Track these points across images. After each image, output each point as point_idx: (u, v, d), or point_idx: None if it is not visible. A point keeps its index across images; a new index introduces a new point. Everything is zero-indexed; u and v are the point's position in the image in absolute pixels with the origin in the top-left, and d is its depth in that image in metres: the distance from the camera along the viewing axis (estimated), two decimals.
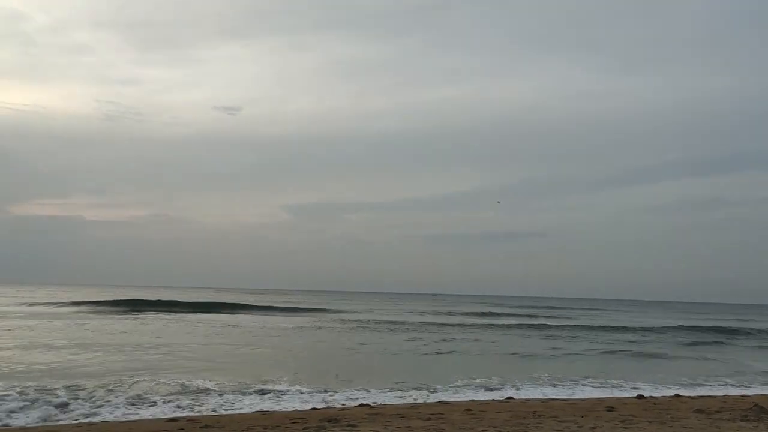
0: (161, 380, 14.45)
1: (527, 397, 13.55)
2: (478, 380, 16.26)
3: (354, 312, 51.04)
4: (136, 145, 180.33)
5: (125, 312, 43.40)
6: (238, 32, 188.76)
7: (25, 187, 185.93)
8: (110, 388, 13.29)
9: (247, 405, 12.05)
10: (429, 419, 9.80)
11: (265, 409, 11.44)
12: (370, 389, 14.29)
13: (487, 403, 12.33)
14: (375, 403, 12.23)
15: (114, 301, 50.83)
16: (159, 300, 52.43)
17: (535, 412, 10.74)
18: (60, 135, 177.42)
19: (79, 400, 11.87)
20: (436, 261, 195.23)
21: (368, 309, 56.91)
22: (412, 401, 12.98)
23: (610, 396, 14.16)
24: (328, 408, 11.40)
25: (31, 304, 48.19)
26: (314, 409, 11.17)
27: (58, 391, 12.37)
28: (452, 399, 13.18)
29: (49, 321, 32.64)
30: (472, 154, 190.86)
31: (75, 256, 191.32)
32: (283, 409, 11.53)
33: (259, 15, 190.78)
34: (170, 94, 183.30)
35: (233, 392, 13.37)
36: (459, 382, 15.81)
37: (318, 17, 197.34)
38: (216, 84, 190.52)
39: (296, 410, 11.17)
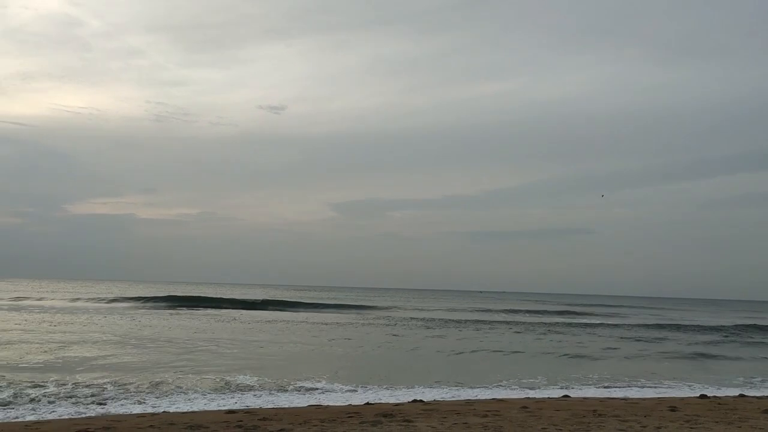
0: (209, 375, 14.70)
1: (584, 396, 13.26)
2: (527, 379, 16.05)
3: (399, 308, 51.04)
4: (184, 145, 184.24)
5: (174, 307, 44.41)
6: (282, 32, 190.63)
7: (82, 187, 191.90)
8: (158, 381, 13.58)
9: (299, 399, 12.15)
10: (485, 416, 9.65)
11: (317, 403, 11.50)
12: (418, 386, 14.24)
13: (543, 401, 12.09)
14: (428, 399, 12.15)
15: (165, 297, 51.96)
16: (207, 297, 53.35)
17: (594, 410, 10.47)
18: (113, 136, 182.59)
19: (130, 393, 12.17)
20: (481, 258, 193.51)
21: (414, 306, 56.80)
22: (465, 398, 12.89)
23: (671, 396, 13.76)
24: (382, 403, 11.36)
25: (88, 300, 49.75)
26: (368, 404, 11.15)
27: (107, 386, 12.69)
28: (506, 396, 13.02)
29: (104, 316, 33.62)
30: (517, 151, 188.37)
31: (127, 253, 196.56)
32: (336, 404, 11.56)
33: (303, 15, 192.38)
34: (217, 94, 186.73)
35: (282, 387, 13.49)
36: (507, 381, 15.64)
37: (361, 15, 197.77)
38: (261, 84, 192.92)
39: (350, 405, 11.17)
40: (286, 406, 11.10)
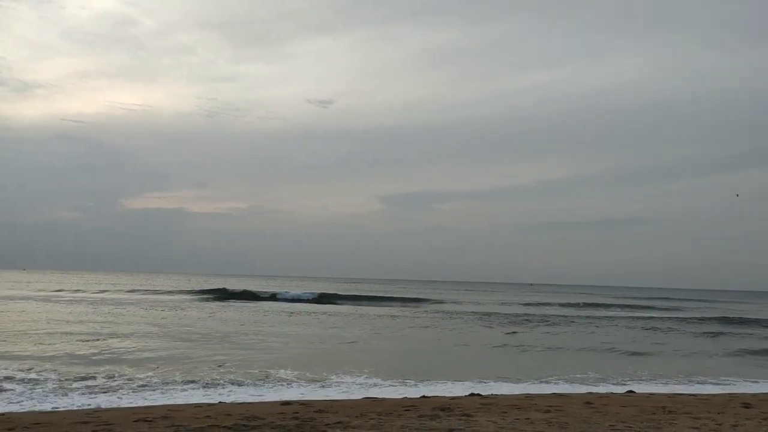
0: (260, 367, 14.71)
1: (650, 392, 12.70)
2: (583, 374, 15.54)
3: (449, 302, 50.61)
4: (234, 140, 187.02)
5: (224, 299, 45.09)
6: (329, 26, 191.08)
7: (136, 182, 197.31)
8: (210, 373, 13.65)
9: (353, 392, 11.99)
10: (548, 411, 9.29)
11: (371, 396, 11.32)
12: (472, 380, 13.92)
13: (607, 396, 11.62)
14: (484, 393, 11.83)
15: (215, 290, 52.57)
16: (255, 290, 53.51)
17: (663, 407, 9.98)
18: (166, 132, 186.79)
19: (182, 383, 12.25)
20: (531, 250, 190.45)
21: (463, 299, 56.25)
22: (522, 392, 12.52)
23: (741, 392, 13.07)
24: (439, 396, 11.09)
25: (144, 292, 51.02)
26: (424, 397, 10.90)
27: (159, 377, 12.80)
28: (567, 390, 12.59)
29: (158, 309, 34.35)
30: (569, 140, 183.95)
31: (179, 246, 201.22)
32: (391, 397, 11.36)
33: (350, 7, 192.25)
34: (265, 89, 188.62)
35: (334, 380, 13.37)
36: (564, 375, 15.17)
37: (408, 6, 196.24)
38: (309, 78, 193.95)
39: (405, 398, 10.94)
40: (341, 398, 10.96)
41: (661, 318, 38.82)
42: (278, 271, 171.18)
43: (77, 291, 49.21)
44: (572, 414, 9.13)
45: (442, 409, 9.15)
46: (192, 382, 12.43)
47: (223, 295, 48.55)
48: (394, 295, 55.59)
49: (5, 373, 12.42)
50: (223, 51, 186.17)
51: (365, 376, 13.86)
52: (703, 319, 38.18)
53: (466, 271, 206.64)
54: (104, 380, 12.21)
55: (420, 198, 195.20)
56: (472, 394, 11.34)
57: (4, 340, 17.63)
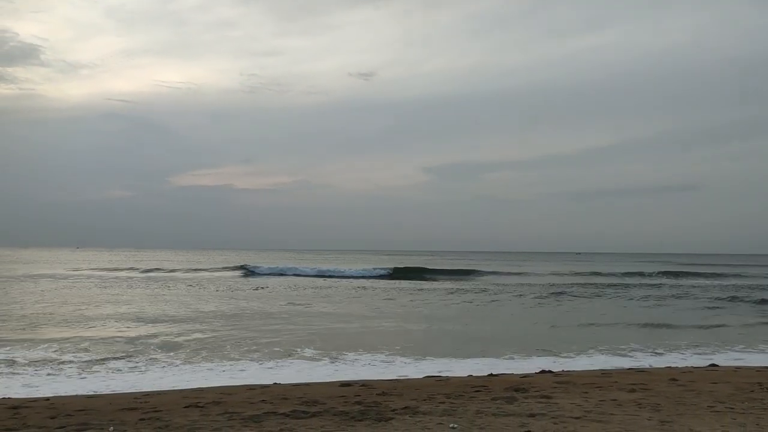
0: (316, 345, 14.16)
1: (735, 365, 11.64)
2: (654, 347, 14.52)
3: (500, 273, 49.43)
4: (278, 115, 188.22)
5: (275, 275, 45.02)
6: None
7: (183, 160, 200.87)
8: (264, 350, 13.15)
9: (413, 370, 11.30)
10: (633, 390, 8.38)
11: (433, 374, 10.61)
12: (530, 355, 13.12)
13: (690, 371, 10.63)
14: (554, 369, 10.98)
15: (287, 268, 50.90)
16: (296, 267, 52.55)
17: (760, 384, 8.96)
18: (210, 109, 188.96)
19: (231, 363, 11.75)
20: (580, 218, 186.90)
21: (513, 270, 55.02)
22: (595, 367, 11.64)
23: None
24: (507, 374, 10.30)
25: (195, 269, 51.39)
26: (492, 375, 10.11)
27: (209, 356, 12.33)
28: (648, 365, 11.64)
29: (210, 288, 34.38)
30: (614, 107, 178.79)
31: (228, 222, 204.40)
32: (453, 375, 10.62)
33: None
34: (308, 63, 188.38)
35: (392, 359, 12.71)
36: (633, 347, 14.20)
37: None
38: (351, 50, 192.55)
39: (471, 376, 10.19)
40: (403, 378, 10.26)
41: (720, 285, 37.12)
42: (325, 245, 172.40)
43: (131, 269, 49.74)
44: (662, 393, 8.21)
45: (516, 390, 8.35)
46: (239, 360, 11.96)
47: (296, 273, 46.76)
48: (444, 267, 54.38)
49: (47, 354, 12.16)
50: (265, 25, 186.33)
51: (422, 353, 13.17)
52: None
53: (512, 241, 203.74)
54: (149, 360, 11.82)
55: (465, 168, 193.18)
56: (543, 371, 10.52)
57: (48, 321, 17.55)
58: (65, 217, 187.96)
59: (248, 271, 46.74)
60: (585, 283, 37.04)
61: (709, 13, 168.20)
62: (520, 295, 28.85)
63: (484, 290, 31.78)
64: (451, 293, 30.11)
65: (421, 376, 10.30)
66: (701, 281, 41.27)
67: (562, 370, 10.91)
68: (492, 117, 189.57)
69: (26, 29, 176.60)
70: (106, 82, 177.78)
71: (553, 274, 48.15)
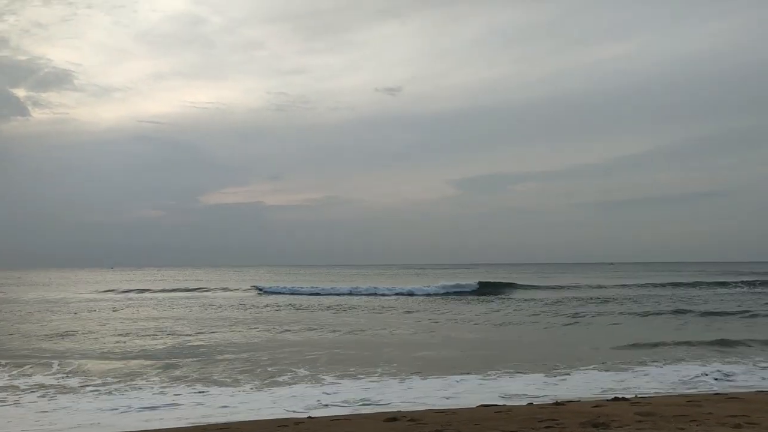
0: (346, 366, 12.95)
1: None
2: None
3: (537, 288, 46.86)
4: (305, 132, 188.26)
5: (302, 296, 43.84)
6: (395, 11, 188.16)
7: (213, 178, 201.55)
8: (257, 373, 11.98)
9: (463, 394, 10.01)
10: (738, 426, 6.96)
11: (489, 403, 9.30)
12: (579, 370, 11.67)
13: None
14: (635, 396, 9.57)
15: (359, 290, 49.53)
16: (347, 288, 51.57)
17: None
18: (239, 128, 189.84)
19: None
20: (609, 228, 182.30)
21: (550, 283, 52.52)
22: (674, 392, 10.21)
23: None
24: (575, 401, 8.92)
25: (231, 290, 50.65)
26: (558, 404, 8.74)
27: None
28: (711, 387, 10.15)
29: (253, 309, 33.49)
30: (641, 115, 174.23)
31: (259, 239, 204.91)
32: (513, 401, 9.31)
33: None
34: (334, 79, 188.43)
35: (442, 381, 11.42)
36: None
37: None
38: (376, 65, 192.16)
39: (532, 404, 8.87)
40: (454, 406, 8.94)
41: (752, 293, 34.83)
42: (356, 260, 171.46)
43: (194, 289, 47.79)
44: None
45: (595, 425, 7.01)
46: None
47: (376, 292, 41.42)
48: (481, 280, 51.32)
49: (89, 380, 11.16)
50: (291, 44, 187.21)
51: (469, 372, 11.85)
52: None
53: (542, 253, 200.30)
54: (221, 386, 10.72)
55: (493, 180, 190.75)
56: (616, 398, 9.11)
57: (106, 343, 16.67)
58: (99, 238, 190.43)
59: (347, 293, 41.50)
60: (670, 296, 34.78)
61: (738, 17, 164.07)
62: (557, 306, 27.22)
63: (605, 301, 30.17)
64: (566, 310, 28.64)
65: (474, 406, 8.99)
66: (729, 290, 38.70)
67: (636, 395, 9.51)
68: (519, 128, 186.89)
69: (60, 55, 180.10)
70: (137, 105, 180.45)
71: (622, 287, 44.75)
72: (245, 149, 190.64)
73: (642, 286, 43.49)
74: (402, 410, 8.58)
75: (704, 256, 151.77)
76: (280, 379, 11.63)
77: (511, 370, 12.20)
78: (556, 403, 8.79)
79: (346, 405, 9.35)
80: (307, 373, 12.12)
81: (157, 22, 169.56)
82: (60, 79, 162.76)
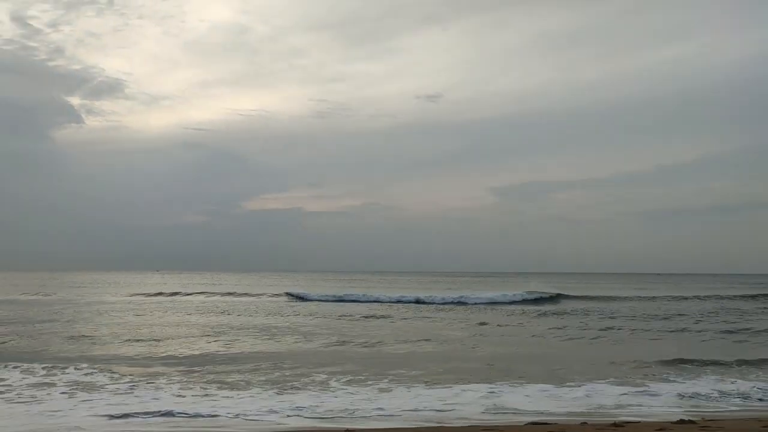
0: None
1: None
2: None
3: (598, 298, 44.12)
4: (345, 139, 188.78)
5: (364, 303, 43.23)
6: (437, 18, 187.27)
7: (254, 185, 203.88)
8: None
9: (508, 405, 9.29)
10: None
11: (537, 421, 8.57)
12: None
13: None
14: (702, 419, 8.73)
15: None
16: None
17: None
18: (280, 135, 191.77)
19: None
20: (657, 238, 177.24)
21: (602, 293, 49.58)
22: (742, 410, 9.32)
23: None
24: (635, 422, 8.11)
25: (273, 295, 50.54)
26: (616, 425, 7.96)
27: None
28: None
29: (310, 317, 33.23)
30: (695, 121, 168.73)
31: (298, 245, 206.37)
32: (552, 419, 8.56)
33: None
34: (374, 87, 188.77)
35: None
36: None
37: None
38: (417, 72, 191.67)
39: (586, 424, 8.11)
40: (500, 425, 8.24)
41: None
42: (395, 267, 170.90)
43: (229, 294, 47.22)
44: None
45: None
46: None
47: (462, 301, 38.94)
48: (530, 289, 49.33)
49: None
50: (333, 51, 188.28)
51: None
52: None
53: (585, 262, 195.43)
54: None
55: (535, 189, 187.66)
56: (682, 421, 8.28)
57: (178, 344, 16.49)
58: (147, 242, 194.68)
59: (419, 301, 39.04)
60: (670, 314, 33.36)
61: None
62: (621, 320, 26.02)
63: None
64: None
65: (521, 423, 8.28)
66: None
67: (703, 418, 8.64)
68: (562, 135, 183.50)
69: (112, 65, 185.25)
70: (183, 113, 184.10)
71: (696, 298, 42.43)
72: (286, 156, 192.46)
73: (690, 299, 41.70)
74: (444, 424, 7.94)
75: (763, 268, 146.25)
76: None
77: (579, 383, 11.42)
78: (615, 425, 8.00)
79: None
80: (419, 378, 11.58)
81: (205, 32, 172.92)
82: (112, 88, 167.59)
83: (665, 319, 26.41)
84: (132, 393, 10.45)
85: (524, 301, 39.11)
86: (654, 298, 41.86)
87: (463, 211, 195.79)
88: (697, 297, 42.58)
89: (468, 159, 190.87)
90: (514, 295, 40.96)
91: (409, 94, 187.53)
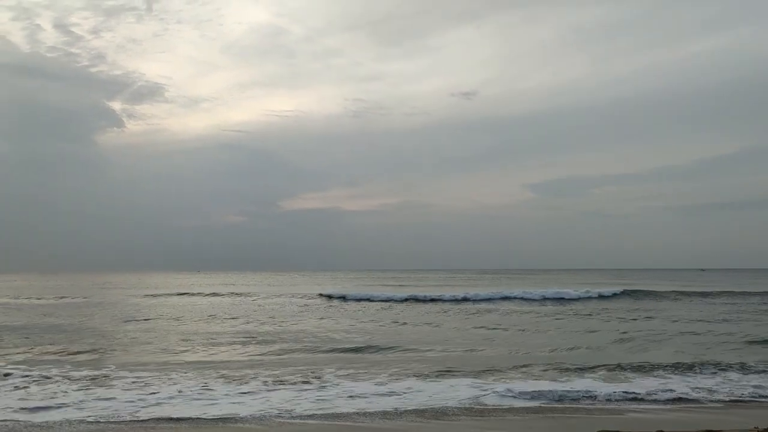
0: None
1: None
2: None
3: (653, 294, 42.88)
4: (381, 137, 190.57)
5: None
6: (470, 15, 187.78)
7: (292, 184, 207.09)
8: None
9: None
10: None
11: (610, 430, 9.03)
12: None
13: None
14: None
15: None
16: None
17: None
18: (317, 134, 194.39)
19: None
20: (695, 233, 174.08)
21: (694, 289, 46.92)
22: None
23: None
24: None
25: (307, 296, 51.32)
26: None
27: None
28: None
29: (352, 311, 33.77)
30: (736, 113, 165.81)
31: (336, 244, 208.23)
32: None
33: None
34: (409, 85, 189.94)
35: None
36: None
37: None
38: (451, 70, 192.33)
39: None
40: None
41: None
42: (432, 264, 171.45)
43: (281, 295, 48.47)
44: None
45: None
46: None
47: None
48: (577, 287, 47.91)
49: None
50: (368, 50, 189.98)
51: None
52: None
53: (623, 258, 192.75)
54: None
55: (571, 184, 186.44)
56: (757, 429, 8.66)
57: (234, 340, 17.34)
58: (188, 242, 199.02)
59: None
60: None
61: None
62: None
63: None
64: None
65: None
66: None
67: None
68: (597, 130, 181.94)
69: (152, 69, 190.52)
70: (222, 114, 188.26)
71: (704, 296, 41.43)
72: (323, 155, 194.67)
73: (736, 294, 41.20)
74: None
75: None
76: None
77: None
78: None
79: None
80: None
81: (241, 35, 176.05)
82: (152, 92, 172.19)
83: None
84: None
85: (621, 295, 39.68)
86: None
87: (500, 207, 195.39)
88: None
89: (504, 155, 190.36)
90: (606, 291, 41.06)
91: (444, 91, 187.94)
